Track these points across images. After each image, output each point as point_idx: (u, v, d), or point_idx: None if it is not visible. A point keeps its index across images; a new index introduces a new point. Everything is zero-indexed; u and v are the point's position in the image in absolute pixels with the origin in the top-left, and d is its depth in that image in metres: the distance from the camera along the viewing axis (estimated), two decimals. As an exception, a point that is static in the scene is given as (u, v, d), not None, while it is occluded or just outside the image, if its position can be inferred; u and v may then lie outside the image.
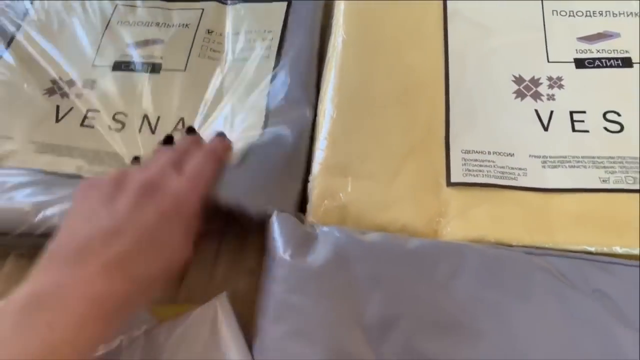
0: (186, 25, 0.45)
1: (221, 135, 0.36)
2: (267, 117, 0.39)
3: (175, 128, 0.40)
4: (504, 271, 0.32)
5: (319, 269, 0.33)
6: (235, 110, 0.40)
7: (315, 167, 0.37)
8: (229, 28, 0.45)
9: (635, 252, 0.32)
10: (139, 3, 0.46)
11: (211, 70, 0.43)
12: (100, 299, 0.25)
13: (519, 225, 0.33)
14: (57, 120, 0.40)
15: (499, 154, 0.36)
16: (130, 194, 0.29)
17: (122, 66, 0.43)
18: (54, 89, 0.42)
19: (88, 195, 0.30)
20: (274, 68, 0.42)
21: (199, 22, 0.45)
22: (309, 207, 0.36)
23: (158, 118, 0.40)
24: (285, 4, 0.45)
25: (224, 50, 0.44)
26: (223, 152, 0.35)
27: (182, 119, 0.40)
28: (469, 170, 0.35)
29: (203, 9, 0.46)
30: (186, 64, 0.43)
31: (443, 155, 0.36)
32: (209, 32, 0.44)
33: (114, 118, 0.40)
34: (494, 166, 0.35)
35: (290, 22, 0.44)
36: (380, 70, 0.40)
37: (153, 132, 0.40)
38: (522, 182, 0.35)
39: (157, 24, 0.45)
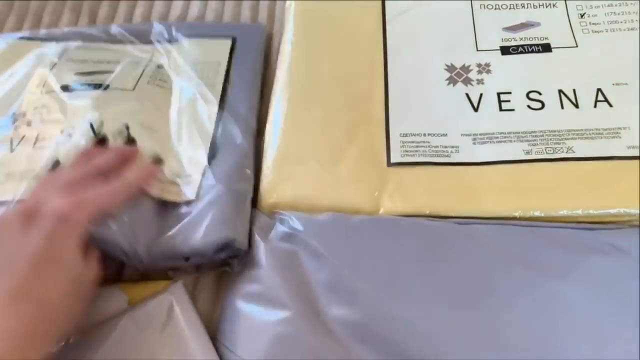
0: (135, 62, 0.46)
1: (156, 162, 0.38)
2: (212, 149, 0.40)
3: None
4: (434, 239, 0.35)
5: (276, 246, 0.36)
6: (181, 145, 0.41)
7: (268, 156, 0.40)
8: (176, 63, 0.46)
9: (555, 214, 0.36)
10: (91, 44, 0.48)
11: (161, 97, 0.44)
12: (6, 332, 0.25)
13: (451, 197, 0.37)
14: None
15: (433, 135, 0.39)
16: (14, 226, 0.30)
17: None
18: None
19: None
20: (220, 98, 0.43)
21: (149, 61, 0.46)
22: (262, 193, 0.39)
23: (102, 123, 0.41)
24: (230, 40, 0.47)
25: (172, 81, 0.45)
26: (138, 187, 0.36)
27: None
28: (407, 151, 0.39)
29: (152, 51, 0.47)
30: (135, 86, 0.44)
31: (383, 139, 0.40)
32: (158, 67, 0.46)
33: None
34: (429, 146, 0.39)
35: (235, 56, 0.46)
36: (326, 66, 0.43)
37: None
38: (454, 158, 0.38)
39: (108, 62, 0.46)
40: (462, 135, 0.39)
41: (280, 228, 0.37)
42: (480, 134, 0.39)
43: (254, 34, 0.48)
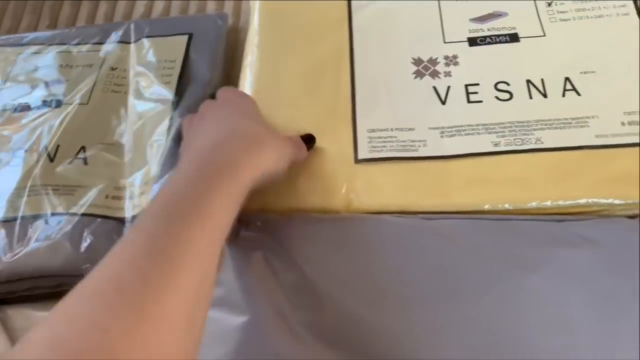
0: (89, 65, 0.45)
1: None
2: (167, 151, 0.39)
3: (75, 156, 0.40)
4: (402, 236, 0.34)
5: (240, 250, 0.35)
6: (136, 141, 0.41)
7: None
8: (132, 63, 0.45)
9: (524, 206, 0.35)
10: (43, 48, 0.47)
11: (117, 104, 0.43)
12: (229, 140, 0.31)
13: (420, 192, 0.36)
14: None
15: (401, 129, 0.39)
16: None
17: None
18: None
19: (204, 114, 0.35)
20: (175, 96, 0.42)
21: (103, 62, 0.45)
22: None
23: (57, 147, 0.40)
24: (186, 36, 0.46)
25: (128, 84, 0.44)
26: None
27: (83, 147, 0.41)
28: (374, 147, 0.38)
29: (107, 50, 0.46)
30: (89, 98, 0.43)
31: (351, 136, 0.39)
32: (112, 69, 0.45)
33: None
34: (396, 141, 0.38)
35: (192, 52, 0.45)
36: (291, 63, 0.43)
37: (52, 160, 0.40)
38: (422, 152, 0.37)
39: (61, 66, 0.46)
40: (429, 128, 0.38)
41: (246, 230, 0.36)
42: (448, 127, 0.38)
43: (211, 26, 0.47)
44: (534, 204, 0.35)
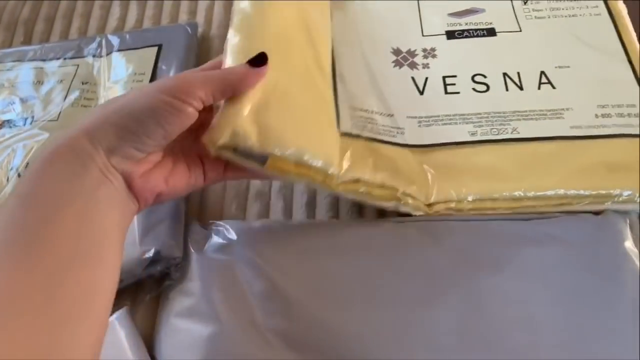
0: (61, 81, 0.45)
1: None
2: None
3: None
4: (367, 240, 0.35)
5: (210, 258, 0.34)
6: None
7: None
8: (103, 77, 0.45)
9: (499, 195, 0.35)
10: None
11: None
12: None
13: (398, 176, 0.35)
14: None
15: (381, 113, 0.38)
16: None
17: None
18: None
19: None
20: None
21: (74, 77, 0.45)
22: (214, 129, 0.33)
23: (27, 165, 0.40)
24: (156, 48, 0.46)
25: (98, 98, 0.44)
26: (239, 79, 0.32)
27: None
28: (355, 124, 0.37)
29: (78, 65, 0.46)
30: (59, 114, 0.43)
31: (334, 115, 0.38)
32: (83, 84, 0.45)
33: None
34: (377, 124, 0.38)
35: (162, 63, 0.44)
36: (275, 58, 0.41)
37: None
38: (400, 139, 0.37)
39: (34, 82, 0.46)
40: (407, 117, 0.38)
41: (215, 239, 0.35)
42: (426, 117, 0.38)
43: (181, 35, 0.46)
44: (507, 193, 0.35)
